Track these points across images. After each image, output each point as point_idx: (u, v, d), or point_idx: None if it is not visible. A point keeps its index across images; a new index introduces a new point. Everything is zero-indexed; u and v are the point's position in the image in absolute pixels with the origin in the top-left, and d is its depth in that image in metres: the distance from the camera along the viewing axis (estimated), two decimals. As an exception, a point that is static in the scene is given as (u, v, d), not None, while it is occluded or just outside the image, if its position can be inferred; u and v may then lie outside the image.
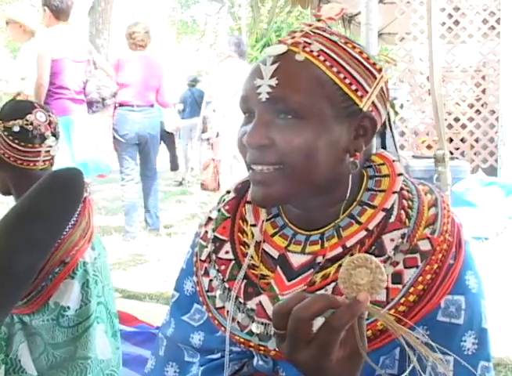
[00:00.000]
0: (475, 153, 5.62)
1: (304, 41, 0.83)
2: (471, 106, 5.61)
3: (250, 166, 0.85)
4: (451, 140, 5.52)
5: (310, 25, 0.87)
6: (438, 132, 2.15)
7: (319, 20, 0.88)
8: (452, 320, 0.82)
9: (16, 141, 1.45)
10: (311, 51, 0.83)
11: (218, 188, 4.79)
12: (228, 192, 1.02)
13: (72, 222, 1.42)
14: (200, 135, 5.25)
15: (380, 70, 0.87)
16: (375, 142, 0.93)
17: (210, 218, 1.00)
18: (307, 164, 0.82)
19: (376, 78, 0.86)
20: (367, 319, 0.79)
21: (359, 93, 0.83)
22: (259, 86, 0.82)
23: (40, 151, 1.47)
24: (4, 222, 0.89)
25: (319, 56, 0.82)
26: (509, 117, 5.40)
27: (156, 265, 4.01)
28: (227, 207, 0.98)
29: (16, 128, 1.44)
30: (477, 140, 5.61)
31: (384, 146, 0.98)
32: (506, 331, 2.43)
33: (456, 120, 5.60)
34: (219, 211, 0.99)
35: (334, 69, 0.82)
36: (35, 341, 1.46)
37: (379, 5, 3.35)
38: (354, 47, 0.86)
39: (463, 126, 5.59)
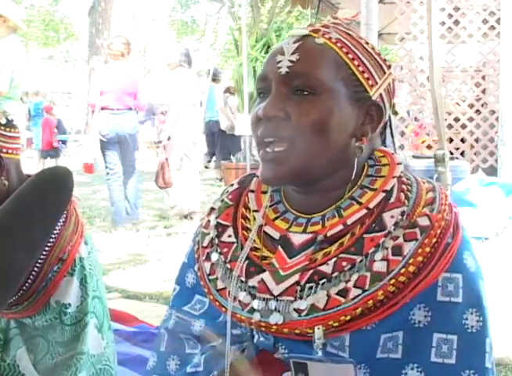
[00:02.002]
0: (475, 153, 5.62)
1: (324, 30, 0.91)
2: (471, 106, 5.61)
3: (263, 144, 0.88)
4: (451, 140, 5.52)
5: (328, 21, 0.95)
6: (438, 132, 2.15)
7: (335, 18, 0.95)
8: (451, 299, 0.84)
9: (12, 130, 1.46)
10: (330, 38, 0.89)
11: (171, 185, 5.40)
12: (232, 185, 1.05)
13: (62, 220, 1.42)
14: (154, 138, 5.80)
15: (389, 67, 0.94)
16: (378, 139, 0.96)
17: (212, 209, 1.04)
18: (317, 142, 0.86)
19: (385, 73, 0.92)
20: (368, 290, 0.82)
21: (370, 82, 0.90)
22: (280, 61, 0.88)
23: (20, 135, 1.51)
24: (1, 218, 0.89)
25: (336, 42, 0.89)
26: (509, 117, 5.40)
27: (156, 265, 4.01)
28: (230, 197, 1.02)
29: (4, 121, 1.46)
30: (477, 140, 5.61)
31: (384, 146, 1.00)
32: (506, 331, 2.43)
33: (456, 120, 5.60)
34: (222, 200, 1.02)
35: (350, 56, 0.89)
36: (37, 343, 1.44)
37: (379, 5, 3.34)
38: (367, 43, 0.93)
39: (463, 126, 5.59)
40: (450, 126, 5.53)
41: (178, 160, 5.52)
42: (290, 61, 0.86)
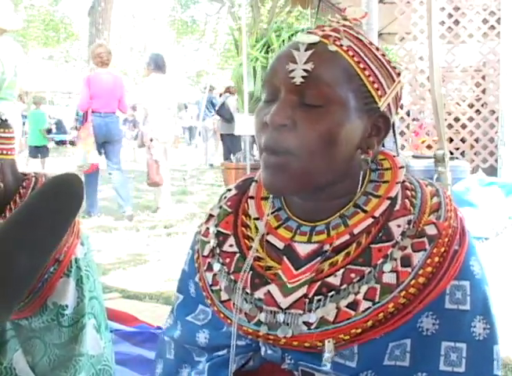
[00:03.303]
0: (475, 153, 5.62)
1: (335, 36, 0.86)
2: (471, 106, 5.60)
3: (266, 148, 0.85)
4: (451, 140, 5.51)
5: (338, 22, 0.90)
6: (438, 132, 2.15)
7: (345, 19, 0.91)
8: (459, 307, 0.83)
9: (6, 130, 1.46)
10: (342, 45, 0.86)
11: (162, 182, 5.94)
12: (230, 190, 1.02)
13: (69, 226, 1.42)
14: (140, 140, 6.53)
15: (398, 75, 0.90)
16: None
17: (211, 215, 1.01)
18: (322, 156, 0.83)
19: (394, 81, 0.89)
20: (378, 303, 0.81)
21: (379, 92, 0.86)
22: (292, 70, 0.83)
23: (14, 135, 1.50)
24: (7, 225, 0.89)
25: (348, 50, 0.86)
26: (509, 117, 5.40)
27: (156, 265, 4.01)
28: (229, 203, 0.99)
29: None
30: (477, 140, 5.61)
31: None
32: (507, 331, 2.43)
33: (456, 120, 5.60)
34: (221, 207, 1.00)
35: (361, 65, 0.85)
36: (34, 344, 1.44)
37: (379, 5, 3.34)
38: (377, 49, 0.90)
39: (463, 126, 5.59)
40: (450, 126, 5.53)
41: (162, 159, 6.02)
42: (305, 70, 0.82)
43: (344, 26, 0.89)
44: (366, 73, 0.85)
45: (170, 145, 6.17)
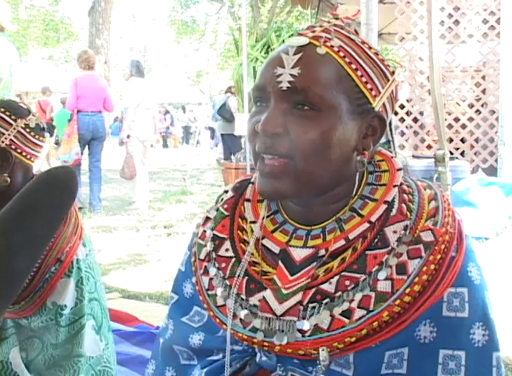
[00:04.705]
0: (475, 153, 5.61)
1: (325, 36, 0.84)
2: (471, 106, 5.60)
3: (260, 155, 0.84)
4: (451, 140, 5.51)
5: (329, 22, 0.88)
6: (438, 132, 2.15)
7: (336, 19, 0.89)
8: (457, 314, 0.82)
9: (36, 136, 1.47)
10: (332, 46, 0.84)
11: (134, 176, 6.34)
12: (226, 191, 1.01)
13: (63, 220, 1.42)
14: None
15: (392, 73, 0.88)
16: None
17: (208, 218, 1.00)
18: (317, 159, 0.82)
19: (388, 80, 0.87)
20: (372, 311, 0.80)
21: (373, 92, 0.85)
22: (280, 75, 0.82)
23: (43, 145, 1.52)
24: (0, 219, 0.89)
25: (339, 51, 0.84)
26: (509, 117, 5.39)
27: (156, 265, 4.01)
28: (225, 206, 0.98)
29: (33, 124, 1.46)
30: (477, 140, 5.61)
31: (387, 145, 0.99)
32: (507, 331, 2.43)
33: (456, 120, 5.60)
34: (217, 210, 0.99)
35: (353, 66, 0.83)
36: (32, 343, 1.44)
37: (379, 5, 3.34)
38: (370, 48, 0.87)
39: (463, 126, 5.58)
40: (450, 126, 5.53)
41: (141, 156, 6.47)
42: (291, 75, 0.81)
43: (335, 25, 0.87)
44: (359, 73, 0.83)
45: (149, 143, 6.66)
